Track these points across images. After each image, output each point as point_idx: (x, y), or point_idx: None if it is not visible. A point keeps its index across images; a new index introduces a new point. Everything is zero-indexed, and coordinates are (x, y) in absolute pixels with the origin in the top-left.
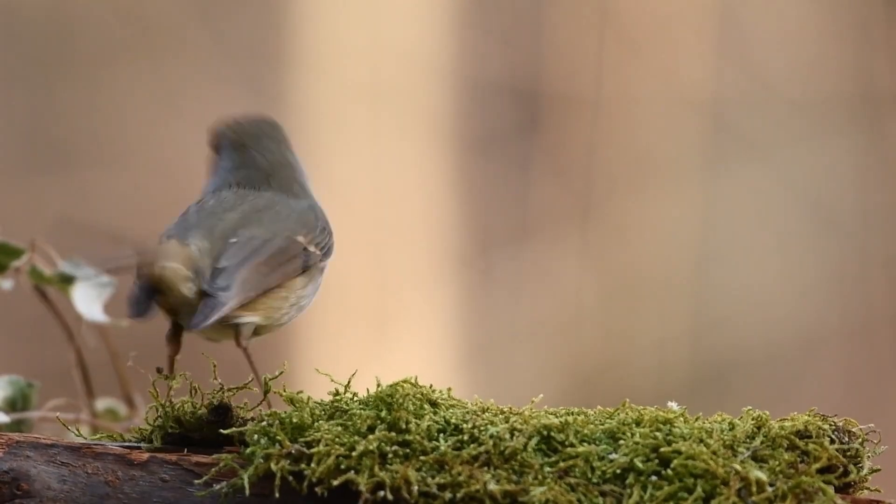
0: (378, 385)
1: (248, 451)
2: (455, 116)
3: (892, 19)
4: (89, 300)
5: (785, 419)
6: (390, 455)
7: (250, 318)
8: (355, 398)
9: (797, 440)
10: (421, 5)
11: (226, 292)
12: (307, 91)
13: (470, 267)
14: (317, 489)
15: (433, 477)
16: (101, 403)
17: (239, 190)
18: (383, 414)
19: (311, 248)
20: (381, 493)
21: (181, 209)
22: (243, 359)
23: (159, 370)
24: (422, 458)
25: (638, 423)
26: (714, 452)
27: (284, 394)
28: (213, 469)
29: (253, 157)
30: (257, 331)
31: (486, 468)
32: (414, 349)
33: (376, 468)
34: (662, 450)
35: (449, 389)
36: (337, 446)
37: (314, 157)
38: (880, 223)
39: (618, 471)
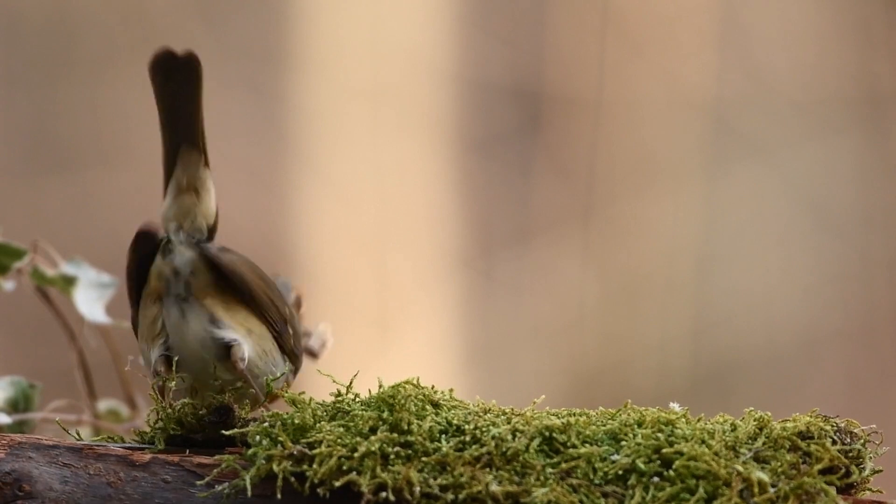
0: (380, 386)
1: (250, 452)
2: (456, 117)
3: (893, 20)
4: (91, 301)
5: (787, 420)
6: (392, 456)
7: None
8: (357, 399)
9: (799, 441)
10: (423, 6)
11: None
12: (309, 92)
13: (471, 268)
14: (319, 490)
15: (435, 478)
16: (103, 404)
17: None
18: (385, 415)
19: None
20: (383, 495)
21: None
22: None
23: (160, 372)
24: (424, 459)
25: (640, 424)
26: (716, 453)
27: (286, 395)
28: (215, 470)
29: None
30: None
31: (488, 469)
32: (415, 350)
33: (378, 469)
34: (664, 451)
35: (451, 390)
36: (339, 447)
37: (315, 158)
38: (882, 224)
39: (620, 472)
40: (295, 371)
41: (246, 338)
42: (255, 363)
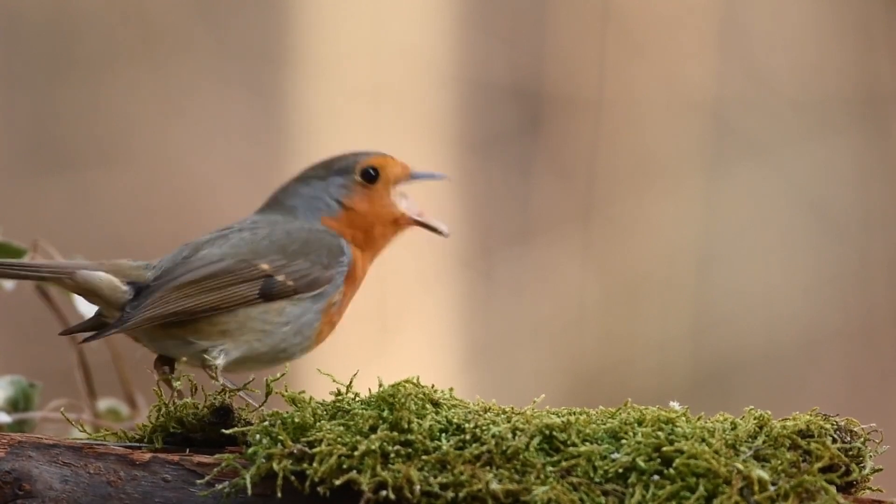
0: (380, 385)
1: (251, 451)
2: (457, 117)
3: (893, 20)
4: None
5: (787, 419)
6: (392, 455)
7: (201, 343)
8: (357, 398)
9: (799, 439)
10: (423, 6)
11: (134, 309)
12: (309, 92)
13: (472, 268)
14: (319, 489)
15: (435, 476)
16: (103, 404)
17: (265, 211)
18: (385, 414)
19: (279, 277)
20: (384, 493)
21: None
22: None
23: (165, 371)
24: (424, 457)
25: (640, 423)
26: (716, 452)
27: (286, 394)
28: (216, 469)
29: (297, 184)
30: (243, 362)
31: (488, 468)
32: (416, 349)
33: (378, 468)
34: (664, 449)
35: (451, 389)
36: (339, 446)
37: (315, 158)
38: (881, 223)
39: (620, 470)
40: (328, 286)
41: (199, 336)
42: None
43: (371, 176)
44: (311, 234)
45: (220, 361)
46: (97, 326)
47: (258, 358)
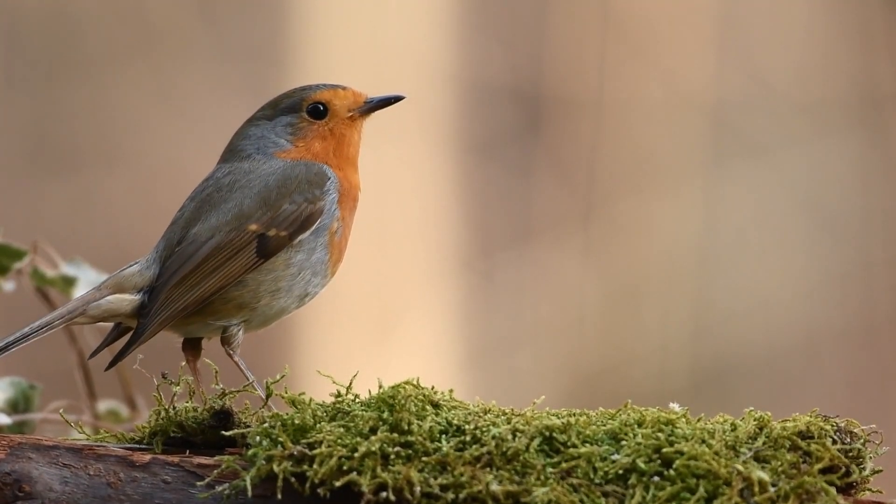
0: (380, 386)
1: (251, 452)
2: (457, 119)
3: (893, 21)
4: None
5: (787, 420)
6: (392, 456)
7: (220, 323)
8: (357, 400)
9: (799, 441)
10: (423, 7)
11: (145, 318)
12: None
13: (472, 269)
14: (319, 490)
15: (435, 478)
16: (103, 405)
17: (226, 164)
18: (385, 415)
19: (270, 232)
20: (384, 494)
21: None
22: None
23: (164, 375)
24: (424, 458)
25: (640, 424)
26: (716, 453)
27: (286, 395)
28: (216, 471)
29: (247, 126)
30: (275, 318)
31: (488, 469)
32: (416, 351)
33: (379, 469)
34: (665, 450)
35: (451, 391)
36: (339, 447)
37: None
38: (882, 224)
39: (620, 471)
40: (323, 218)
41: (218, 317)
42: (269, 296)
43: (320, 111)
44: (285, 172)
45: (241, 337)
46: (121, 333)
47: (288, 310)
